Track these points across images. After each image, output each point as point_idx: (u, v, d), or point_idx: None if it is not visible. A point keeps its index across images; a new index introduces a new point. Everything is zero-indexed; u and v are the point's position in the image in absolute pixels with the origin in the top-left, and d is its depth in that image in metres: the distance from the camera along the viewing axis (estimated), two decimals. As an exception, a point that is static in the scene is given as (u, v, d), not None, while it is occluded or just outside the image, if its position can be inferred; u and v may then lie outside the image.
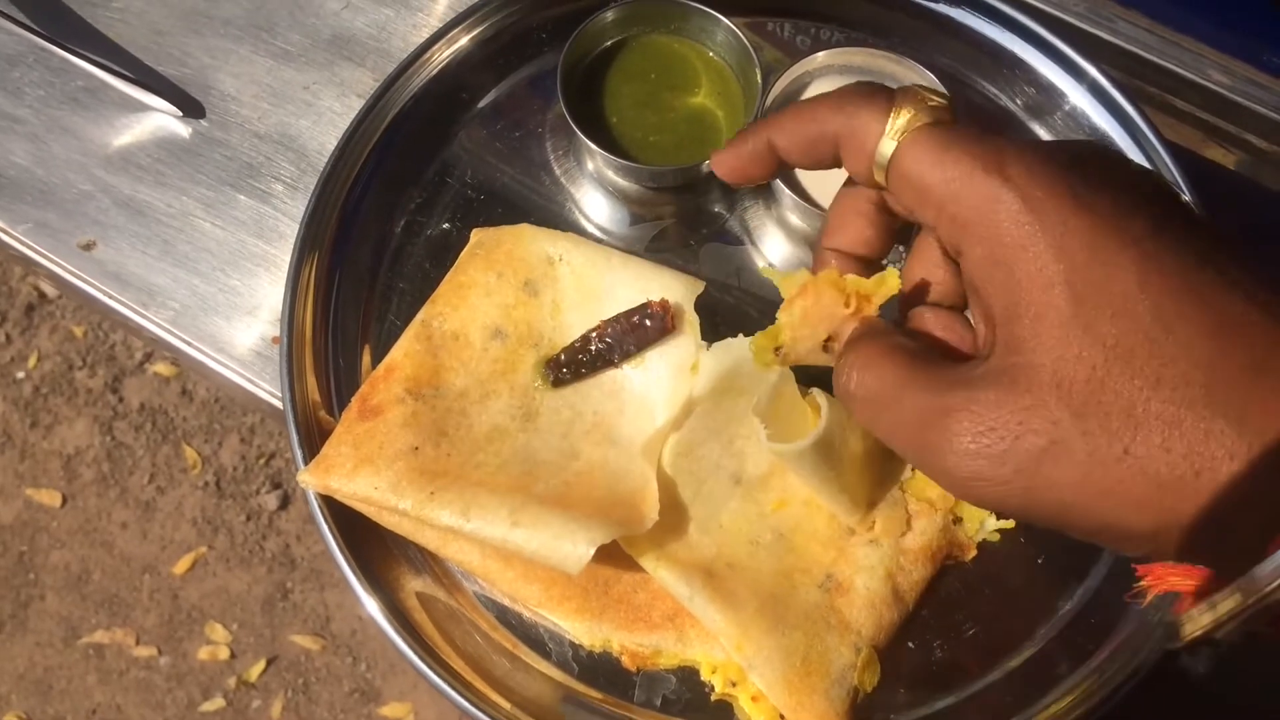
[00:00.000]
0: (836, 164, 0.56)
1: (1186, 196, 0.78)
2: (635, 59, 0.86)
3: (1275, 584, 0.40)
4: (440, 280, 0.80)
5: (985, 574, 0.77)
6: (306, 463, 0.74)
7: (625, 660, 0.73)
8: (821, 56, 0.83)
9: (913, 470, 0.77)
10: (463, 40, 0.88)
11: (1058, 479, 0.43)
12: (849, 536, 0.75)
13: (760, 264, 0.85)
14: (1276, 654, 0.77)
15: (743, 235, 0.86)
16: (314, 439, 0.76)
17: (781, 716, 0.70)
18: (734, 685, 0.72)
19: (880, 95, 0.53)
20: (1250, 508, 0.41)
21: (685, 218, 0.86)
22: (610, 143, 0.82)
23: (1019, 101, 0.89)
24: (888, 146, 0.51)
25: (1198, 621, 0.45)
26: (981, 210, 0.46)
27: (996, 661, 0.75)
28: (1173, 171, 0.82)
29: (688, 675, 0.74)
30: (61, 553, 2.14)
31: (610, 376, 0.78)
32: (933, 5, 0.89)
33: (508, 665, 0.74)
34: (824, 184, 0.81)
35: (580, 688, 0.74)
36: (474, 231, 0.82)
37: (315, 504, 0.74)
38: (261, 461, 2.19)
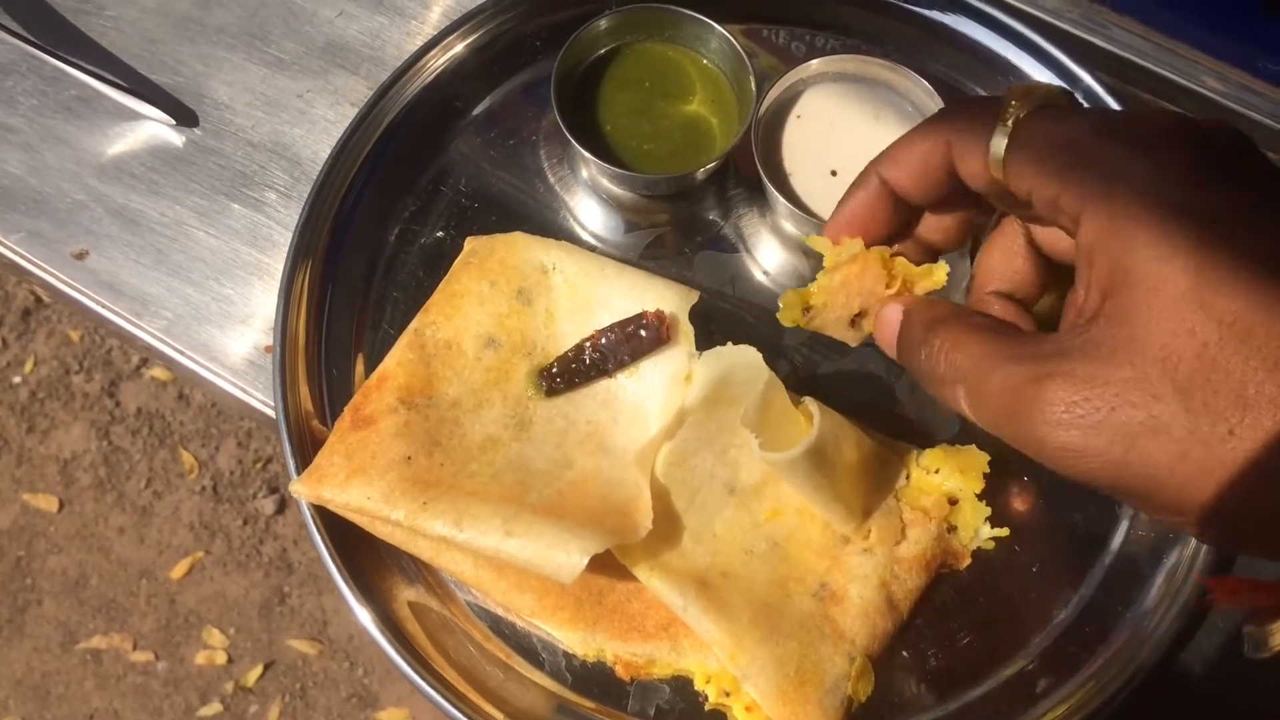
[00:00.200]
0: (952, 183, 0.54)
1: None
2: (629, 67, 0.86)
3: None
4: (434, 289, 0.80)
5: (980, 583, 0.76)
6: (299, 472, 0.74)
7: (619, 670, 0.73)
8: (815, 64, 0.83)
9: (907, 478, 0.77)
10: (456, 48, 0.88)
11: (1153, 455, 0.41)
12: (843, 545, 0.75)
13: (756, 271, 0.85)
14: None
15: (737, 243, 0.86)
16: (307, 448, 0.75)
17: (775, 726, 0.70)
18: (728, 695, 0.72)
19: (985, 99, 0.53)
20: None
21: (680, 225, 0.86)
22: (604, 151, 0.82)
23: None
24: (1002, 134, 0.50)
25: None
26: (1109, 173, 0.45)
27: (991, 670, 0.75)
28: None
29: (682, 685, 0.73)
30: (59, 558, 2.14)
31: (604, 386, 0.77)
32: (927, 12, 0.89)
33: (501, 675, 0.73)
34: (817, 191, 0.81)
35: (574, 698, 0.74)
36: (468, 240, 0.81)
37: (308, 514, 0.74)
38: (258, 466, 2.18)
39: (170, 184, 0.87)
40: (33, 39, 0.88)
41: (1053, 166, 0.47)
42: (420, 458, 0.73)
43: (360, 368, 0.81)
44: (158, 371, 2.22)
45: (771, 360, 0.80)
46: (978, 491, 0.75)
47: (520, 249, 0.80)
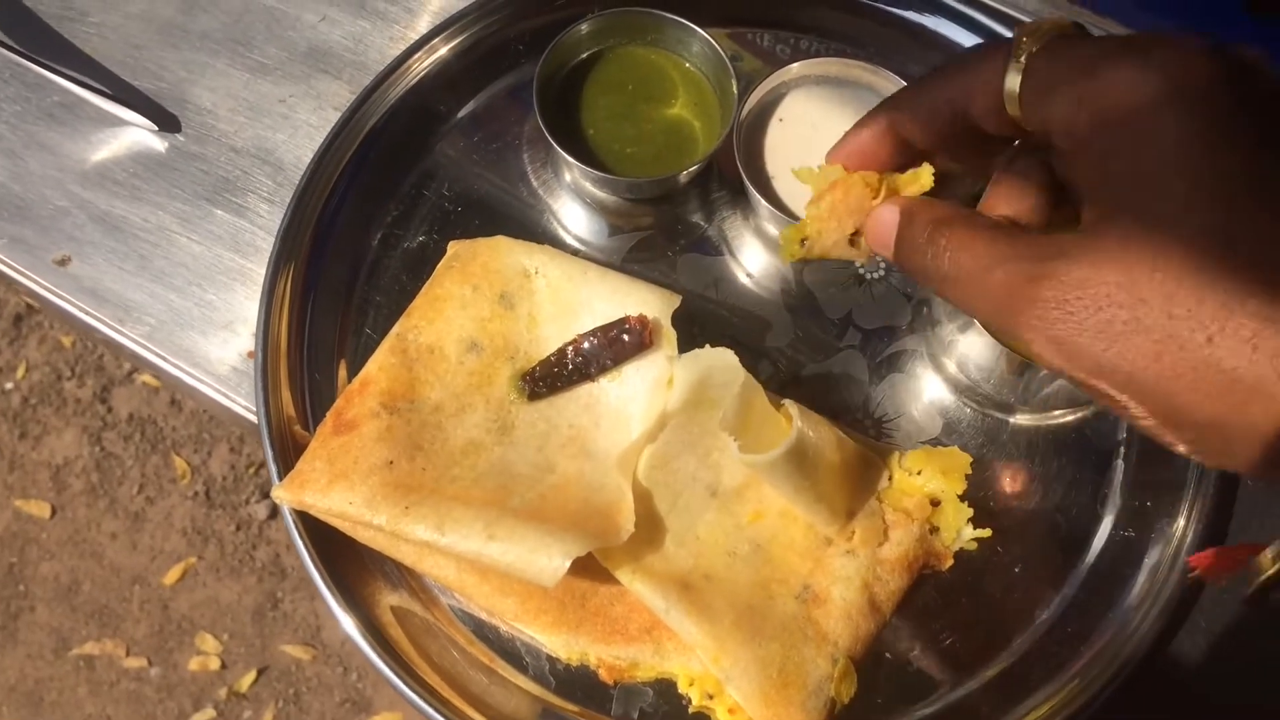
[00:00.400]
0: (962, 125, 0.55)
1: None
2: (612, 71, 0.86)
3: None
4: (417, 293, 0.80)
5: (962, 583, 0.77)
6: (282, 478, 0.74)
7: (602, 673, 0.73)
8: (796, 67, 0.83)
9: (889, 480, 0.77)
10: (439, 53, 0.88)
11: (1131, 353, 0.43)
12: (826, 547, 0.75)
13: (740, 274, 0.85)
14: (1264, 652, 0.77)
15: (721, 245, 0.86)
16: (289, 454, 0.75)
17: (758, 729, 0.70)
18: (711, 698, 0.72)
19: (994, 43, 0.54)
20: None
21: (663, 228, 0.86)
22: (587, 155, 0.82)
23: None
24: (1016, 71, 0.51)
25: (1263, 566, 0.44)
26: (1121, 88, 0.45)
27: (975, 670, 0.75)
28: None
29: (665, 688, 0.74)
30: (51, 564, 2.13)
31: (586, 390, 0.78)
32: (907, 14, 0.89)
33: (485, 680, 0.73)
34: (800, 193, 0.81)
35: (558, 702, 0.74)
36: (450, 244, 0.82)
37: (290, 519, 0.74)
38: (251, 471, 2.18)
39: (153, 190, 0.87)
40: (15, 46, 0.88)
41: (1064, 95, 0.48)
42: (402, 462, 0.73)
43: (343, 372, 0.81)
44: (149, 377, 2.22)
45: (754, 362, 0.81)
46: (960, 492, 0.76)
47: (503, 253, 0.80)
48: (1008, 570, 0.77)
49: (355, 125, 0.85)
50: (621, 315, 0.76)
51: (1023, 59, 0.50)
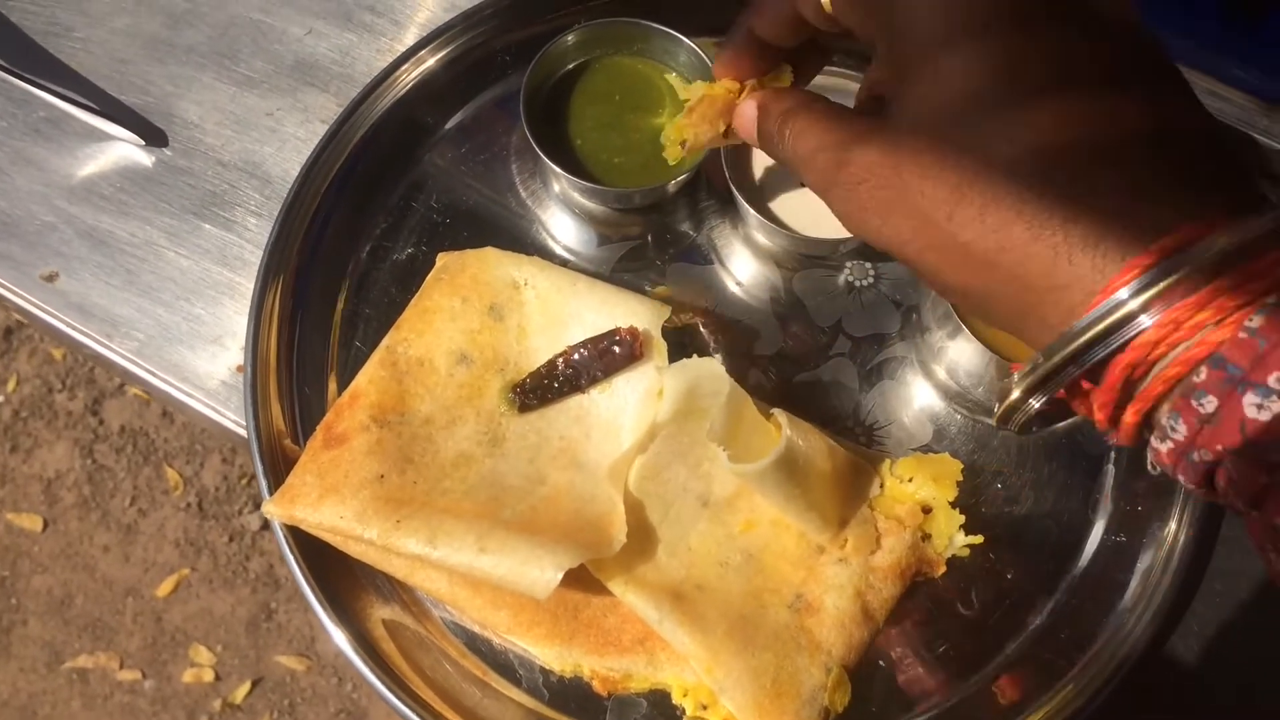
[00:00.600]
0: (802, 24, 0.60)
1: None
2: (599, 81, 0.86)
3: (1069, 351, 0.43)
4: (406, 305, 0.80)
5: (955, 590, 0.77)
6: (272, 492, 0.73)
7: (596, 685, 0.73)
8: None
9: (881, 487, 0.77)
10: (426, 64, 0.88)
11: (899, 229, 0.49)
12: (818, 555, 0.75)
13: (729, 283, 0.85)
14: (1258, 653, 0.78)
15: (710, 254, 0.86)
16: (280, 468, 0.75)
17: (752, 739, 0.70)
18: (705, 708, 0.72)
19: None
20: (1044, 298, 0.44)
21: (652, 238, 0.86)
22: (575, 165, 0.82)
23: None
24: None
25: (1010, 392, 0.48)
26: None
27: (968, 677, 0.75)
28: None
29: (659, 699, 0.73)
30: (43, 577, 2.12)
31: (576, 402, 0.77)
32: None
33: (478, 693, 0.73)
34: (789, 204, 0.82)
35: (551, 714, 0.74)
36: (439, 256, 0.81)
37: (281, 534, 0.73)
38: (244, 482, 2.18)
39: (140, 204, 0.87)
40: (0, 62, 0.88)
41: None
42: (393, 476, 0.73)
43: (333, 386, 0.81)
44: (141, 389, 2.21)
45: (743, 371, 0.81)
46: (951, 499, 0.76)
47: (492, 265, 0.80)
48: (1000, 576, 0.77)
49: (343, 138, 0.85)
50: (611, 326, 0.76)
51: None
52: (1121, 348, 0.43)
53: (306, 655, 2.06)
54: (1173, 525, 0.77)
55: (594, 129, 0.84)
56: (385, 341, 0.78)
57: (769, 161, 0.83)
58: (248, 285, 0.83)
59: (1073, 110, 0.45)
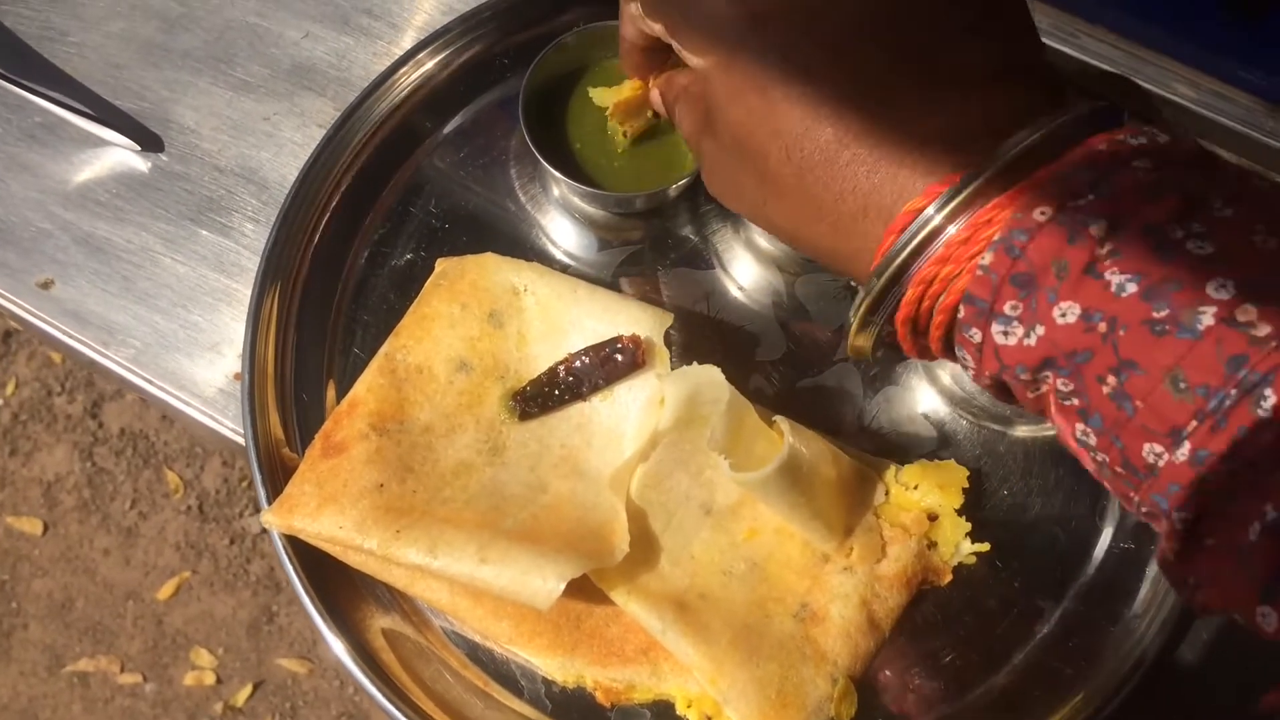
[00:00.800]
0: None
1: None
2: (598, 84, 0.85)
3: (891, 272, 0.47)
4: (405, 312, 0.79)
5: (961, 599, 0.76)
6: (270, 502, 0.73)
7: (599, 696, 0.72)
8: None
9: (886, 495, 0.76)
10: (424, 67, 0.87)
11: (741, 197, 0.57)
12: (823, 564, 0.74)
13: (731, 287, 0.84)
14: (1268, 658, 0.77)
15: (712, 259, 0.85)
16: (278, 476, 0.74)
17: (756, 751, 0.69)
18: (709, 719, 0.71)
19: None
20: (866, 241, 0.49)
21: (653, 242, 0.85)
22: (574, 169, 0.81)
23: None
24: None
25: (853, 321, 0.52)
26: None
27: (975, 686, 0.75)
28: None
29: (663, 709, 0.73)
30: (44, 581, 2.12)
31: (578, 409, 0.77)
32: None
33: (480, 704, 0.72)
34: (791, 207, 0.81)
35: (554, 725, 0.73)
36: (438, 261, 0.81)
37: (279, 543, 0.73)
38: (244, 484, 2.17)
39: (136, 211, 0.86)
40: (-6, 67, 0.87)
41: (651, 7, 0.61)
42: (393, 485, 0.72)
43: (331, 393, 0.80)
44: (139, 392, 2.21)
45: (745, 377, 0.80)
46: (957, 507, 0.75)
47: (491, 270, 0.79)
48: (1007, 585, 0.76)
49: (340, 142, 0.84)
50: (612, 334, 0.75)
51: None
52: (898, 299, 0.49)
53: (308, 658, 2.06)
54: (1180, 530, 0.76)
55: (593, 132, 0.83)
56: (384, 348, 0.77)
57: (771, 165, 0.82)
58: (245, 292, 0.82)
59: (873, 69, 0.49)
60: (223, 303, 0.84)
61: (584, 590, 0.71)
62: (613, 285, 0.83)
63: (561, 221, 0.86)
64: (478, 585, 0.68)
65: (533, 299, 0.78)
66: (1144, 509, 0.45)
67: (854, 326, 0.52)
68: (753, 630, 0.71)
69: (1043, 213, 0.43)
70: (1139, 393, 0.42)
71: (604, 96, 0.79)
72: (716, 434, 0.70)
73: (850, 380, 0.81)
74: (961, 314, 0.46)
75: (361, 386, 0.75)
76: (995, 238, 0.44)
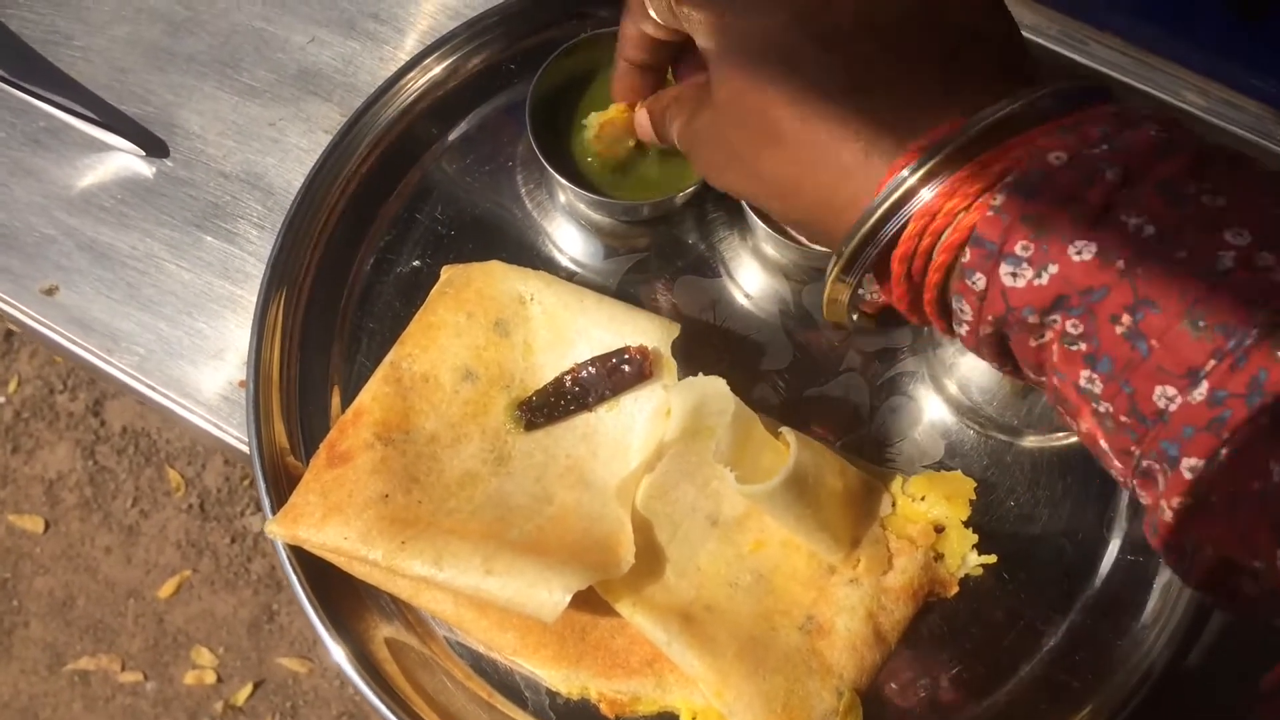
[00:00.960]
0: (655, 38, 0.67)
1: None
2: (606, 91, 0.84)
3: (865, 231, 0.49)
4: (411, 320, 0.78)
5: (968, 611, 0.76)
6: (275, 511, 0.72)
7: (604, 707, 0.72)
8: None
9: (893, 506, 0.76)
10: (431, 73, 0.87)
11: (732, 175, 0.58)
12: (829, 576, 0.74)
13: (738, 295, 0.84)
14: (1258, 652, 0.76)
15: (719, 267, 0.85)
16: (282, 486, 0.74)
17: (762, 765, 0.69)
18: (714, 732, 0.71)
19: None
20: (850, 202, 0.50)
21: (660, 250, 0.85)
22: (581, 176, 0.81)
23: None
24: None
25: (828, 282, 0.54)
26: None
27: (981, 700, 0.74)
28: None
29: (667, 721, 0.72)
30: (45, 579, 2.12)
31: (584, 420, 0.76)
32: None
33: (483, 716, 0.72)
34: (798, 216, 0.80)
35: (558, 737, 0.73)
36: (444, 269, 0.80)
37: (283, 553, 0.72)
38: (245, 483, 2.17)
39: (141, 216, 0.86)
40: (-1, 71, 0.87)
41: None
42: (398, 495, 0.72)
43: (336, 402, 0.80)
44: (142, 391, 2.20)
45: (753, 385, 0.80)
46: (964, 518, 0.74)
47: (497, 279, 0.79)
48: (1014, 597, 0.76)
49: (346, 148, 0.83)
50: (619, 344, 0.75)
51: None
52: (892, 246, 0.49)
53: (308, 657, 2.06)
54: (1187, 541, 0.76)
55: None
56: (389, 357, 0.77)
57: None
58: (249, 298, 0.82)
59: (868, 45, 0.50)
60: (227, 310, 0.84)
61: (589, 602, 0.70)
62: (619, 293, 0.83)
63: (568, 229, 0.86)
64: (483, 597, 0.68)
65: (539, 308, 0.78)
66: (1144, 463, 0.44)
67: (829, 283, 0.54)
68: (758, 643, 0.71)
69: (1058, 157, 0.43)
70: (1155, 331, 0.41)
71: (590, 121, 0.79)
72: (722, 446, 0.70)
73: (857, 390, 0.81)
74: (967, 257, 0.46)
75: (366, 395, 0.75)
76: (1007, 179, 0.44)
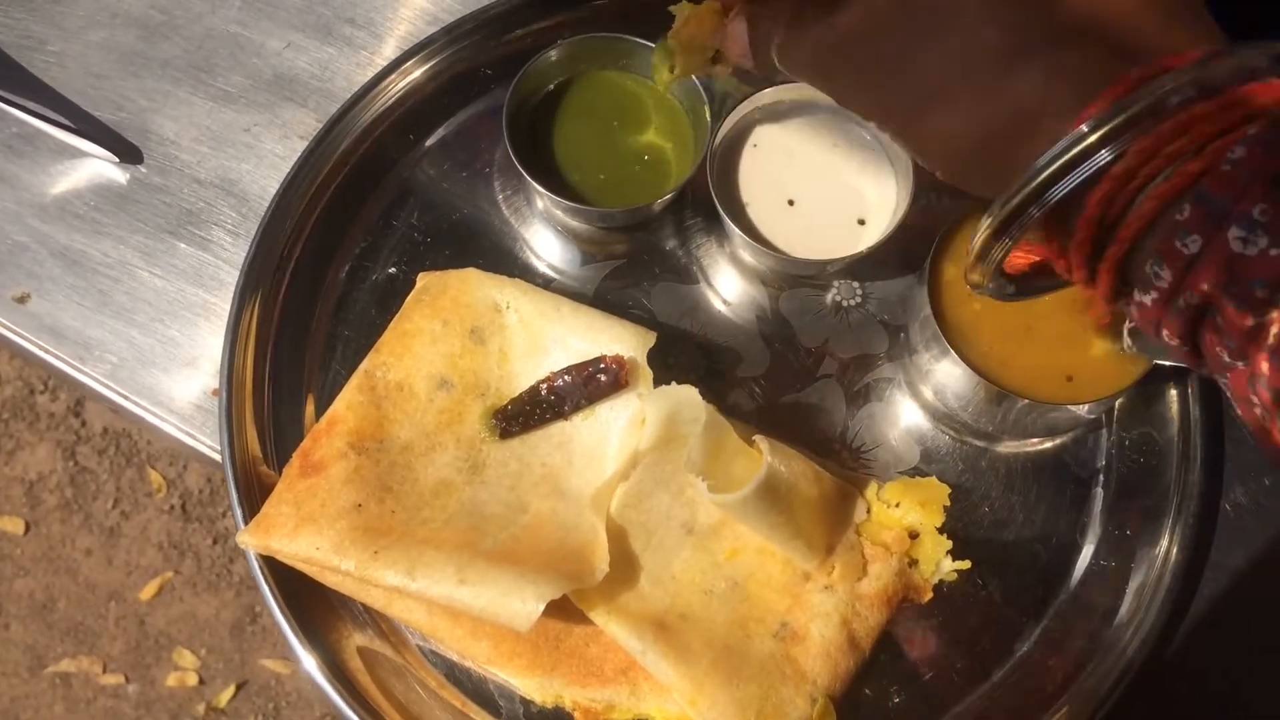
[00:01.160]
0: None
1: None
2: (583, 97, 0.84)
3: (1030, 189, 0.42)
4: (386, 327, 0.78)
5: (942, 617, 0.76)
6: (247, 521, 0.72)
7: (578, 716, 0.72)
8: (770, 93, 0.82)
9: (868, 513, 0.76)
10: (408, 79, 0.86)
11: (894, 101, 0.51)
12: (804, 583, 0.74)
13: (715, 302, 0.84)
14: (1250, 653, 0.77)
15: (696, 273, 0.85)
16: (255, 495, 0.74)
17: (736, 773, 0.69)
18: (688, 739, 0.71)
19: None
20: (1019, 146, 0.44)
21: (637, 257, 0.85)
22: (559, 183, 0.81)
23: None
24: None
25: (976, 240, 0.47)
26: None
27: (955, 705, 0.75)
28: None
29: (642, 729, 0.72)
30: (25, 581, 2.11)
31: (559, 428, 0.76)
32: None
33: (458, 725, 0.72)
34: (775, 223, 0.80)
35: (532, 745, 0.73)
36: (420, 276, 0.80)
37: (254, 561, 0.72)
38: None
39: (114, 223, 0.85)
40: (-29, 77, 0.86)
41: None
42: (371, 505, 0.72)
43: (310, 409, 0.80)
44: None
45: (729, 392, 0.80)
46: (938, 525, 0.75)
47: (473, 286, 0.78)
48: (988, 602, 0.76)
49: (322, 154, 0.83)
50: (595, 352, 0.75)
51: None
52: (1091, 183, 0.41)
53: (291, 659, 2.05)
54: (1164, 543, 0.77)
55: (578, 146, 0.83)
56: (364, 365, 0.76)
57: (755, 179, 0.81)
58: (224, 306, 0.82)
59: None
60: (201, 317, 0.83)
61: (563, 610, 0.70)
62: (596, 299, 0.83)
63: (545, 235, 0.85)
64: (456, 607, 0.68)
65: (515, 316, 0.78)
66: None
67: (980, 240, 0.45)
68: (733, 650, 0.71)
69: None
70: None
71: (679, 10, 0.69)
72: (693, 455, 0.70)
73: (833, 396, 0.81)
74: (1185, 213, 0.38)
75: (341, 404, 0.75)
76: (1250, 129, 0.38)
